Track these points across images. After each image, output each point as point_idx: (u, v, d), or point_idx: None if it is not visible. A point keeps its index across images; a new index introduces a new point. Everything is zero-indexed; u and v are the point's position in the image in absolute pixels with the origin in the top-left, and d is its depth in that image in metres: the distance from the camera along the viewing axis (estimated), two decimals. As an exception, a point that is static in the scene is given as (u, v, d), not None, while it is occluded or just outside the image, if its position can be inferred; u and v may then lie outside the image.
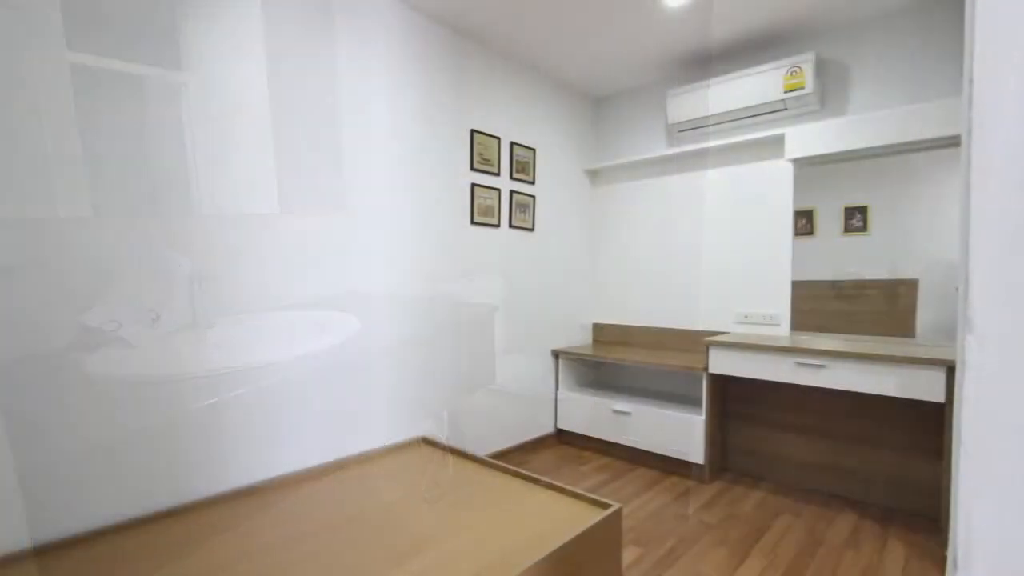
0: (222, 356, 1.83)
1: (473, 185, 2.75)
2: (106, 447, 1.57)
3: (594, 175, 3.65)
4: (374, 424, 2.30)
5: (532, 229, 3.13)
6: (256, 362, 1.91)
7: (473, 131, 2.73)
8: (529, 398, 3.13)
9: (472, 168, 2.74)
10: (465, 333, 2.72)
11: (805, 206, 2.71)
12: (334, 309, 2.14)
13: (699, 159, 3.12)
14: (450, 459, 2.17)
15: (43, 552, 1.43)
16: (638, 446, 2.90)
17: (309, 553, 1.42)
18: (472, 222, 2.75)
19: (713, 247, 3.06)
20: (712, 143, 2.96)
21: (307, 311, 2.05)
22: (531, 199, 3.11)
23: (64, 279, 1.47)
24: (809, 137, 2.62)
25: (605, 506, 1.66)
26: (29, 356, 1.43)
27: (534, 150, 3.12)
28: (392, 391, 2.37)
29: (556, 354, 3.31)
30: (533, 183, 3.12)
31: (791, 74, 2.57)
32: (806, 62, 2.52)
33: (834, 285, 2.63)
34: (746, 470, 2.83)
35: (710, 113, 2.85)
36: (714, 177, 3.06)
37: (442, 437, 2.60)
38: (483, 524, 1.59)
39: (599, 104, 3.64)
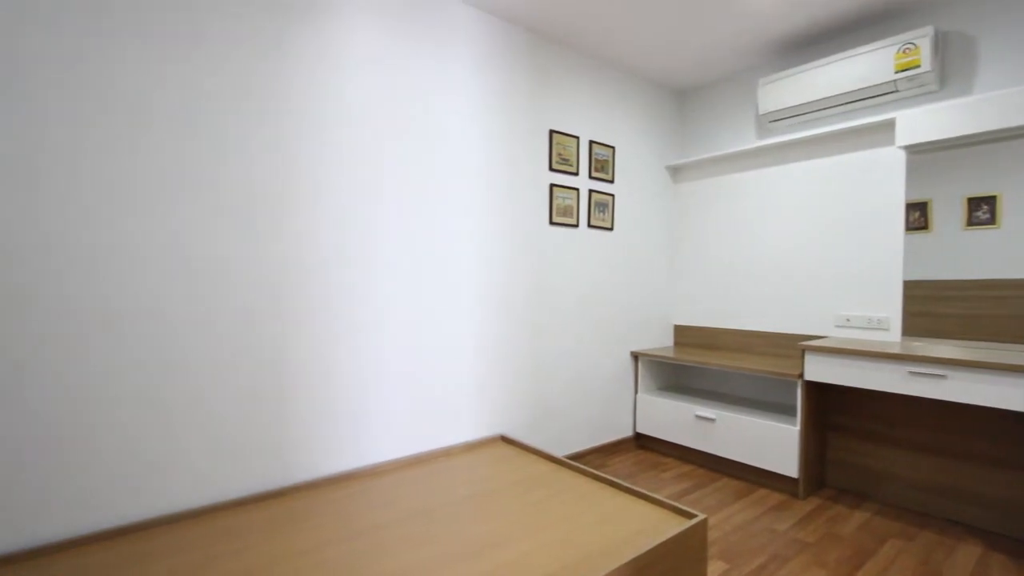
0: (323, 351, 1.97)
1: (552, 185, 2.75)
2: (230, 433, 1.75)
3: (676, 171, 3.52)
4: (456, 420, 2.37)
5: (611, 228, 3.07)
6: (352, 358, 2.04)
7: (552, 131, 2.74)
8: (607, 400, 3.08)
9: (551, 168, 2.74)
10: (544, 333, 2.73)
11: (918, 198, 2.44)
12: (419, 308, 2.24)
13: (794, 150, 2.91)
14: (528, 458, 2.19)
15: (174, 521, 1.61)
16: (723, 455, 2.76)
17: (397, 539, 1.49)
18: (551, 222, 2.75)
19: (810, 244, 2.85)
20: (809, 132, 2.75)
21: (396, 309, 2.15)
22: (610, 198, 3.06)
23: (189, 280, 1.66)
24: (926, 121, 2.35)
25: (689, 516, 1.60)
26: (161, 348, 1.62)
27: (613, 148, 3.06)
28: (472, 389, 2.43)
29: (635, 356, 3.24)
30: (612, 182, 3.07)
31: (903, 52, 2.32)
32: (922, 37, 2.27)
33: (955, 285, 2.35)
34: (848, 487, 2.61)
35: (807, 100, 2.65)
36: (811, 168, 2.84)
37: (520, 436, 2.63)
38: (561, 525, 1.59)
39: (682, 97, 3.50)
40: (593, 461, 2.95)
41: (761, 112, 2.86)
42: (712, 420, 2.79)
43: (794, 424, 2.52)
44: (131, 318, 1.57)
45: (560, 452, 2.84)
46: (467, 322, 2.41)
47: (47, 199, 1.44)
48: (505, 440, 2.43)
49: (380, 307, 2.11)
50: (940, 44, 2.36)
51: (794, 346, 2.92)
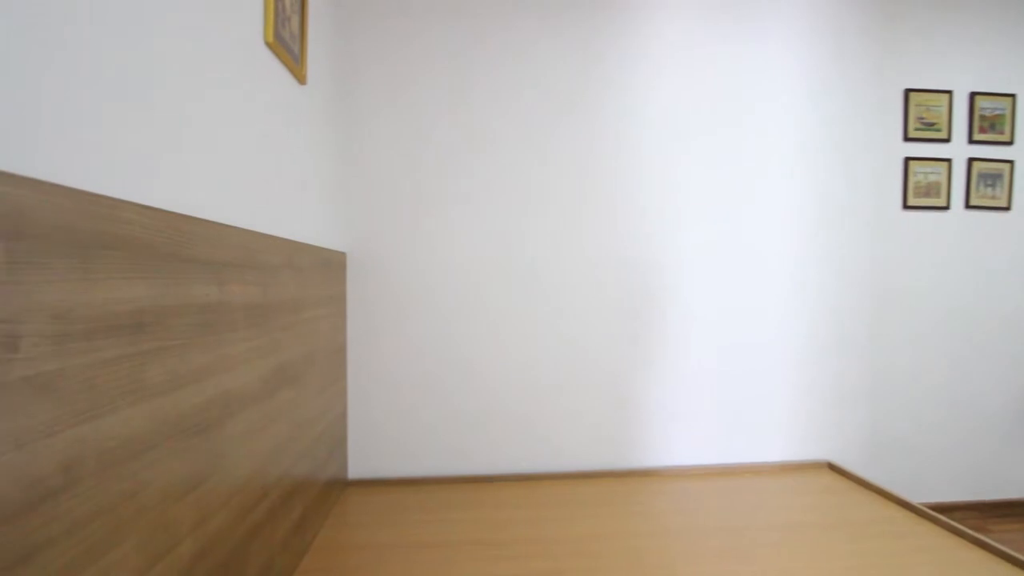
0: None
1: (907, 159, 2.17)
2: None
3: None
4: (768, 436, 2.13)
5: (1007, 208, 2.23)
6: (657, 357, 2.06)
7: (908, 91, 2.15)
8: (993, 442, 2.26)
9: (906, 138, 2.16)
10: (891, 345, 2.19)
11: None
12: (728, 310, 2.09)
13: None
14: (866, 495, 1.79)
15: (561, 477, 1.93)
16: None
17: (704, 550, 1.43)
18: (905, 206, 2.17)
19: None
20: None
21: (703, 311, 2.07)
22: (1006, 166, 2.22)
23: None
24: None
25: None
26: (500, 334, 1.96)
27: (1013, 96, 2.21)
28: (790, 403, 2.14)
29: (1049, 387, 2.27)
30: (1010, 143, 2.22)
31: None
32: None
33: None
34: None
35: None
36: None
37: (850, 467, 2.18)
38: (926, 595, 1.24)
39: None
40: (966, 520, 2.22)
41: None
42: None
43: None
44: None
45: (914, 498, 2.23)
46: (785, 327, 2.12)
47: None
48: (833, 468, 2.05)
49: (685, 312, 2.06)
50: None
51: None
